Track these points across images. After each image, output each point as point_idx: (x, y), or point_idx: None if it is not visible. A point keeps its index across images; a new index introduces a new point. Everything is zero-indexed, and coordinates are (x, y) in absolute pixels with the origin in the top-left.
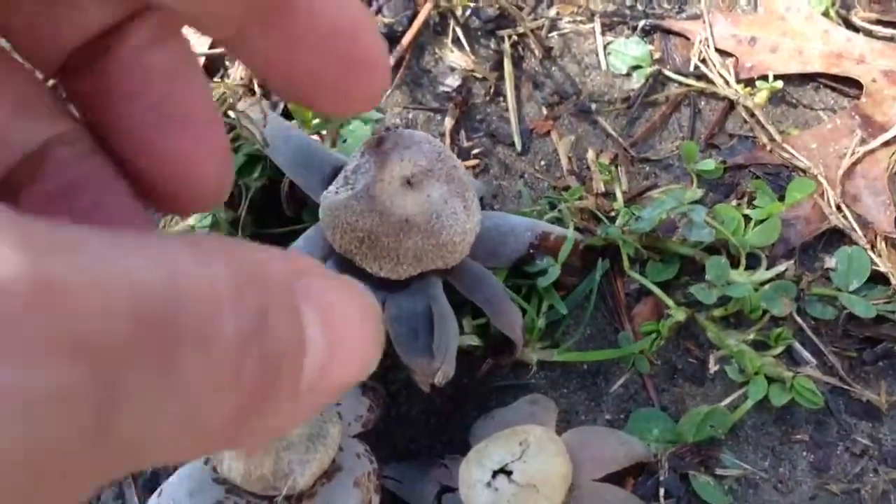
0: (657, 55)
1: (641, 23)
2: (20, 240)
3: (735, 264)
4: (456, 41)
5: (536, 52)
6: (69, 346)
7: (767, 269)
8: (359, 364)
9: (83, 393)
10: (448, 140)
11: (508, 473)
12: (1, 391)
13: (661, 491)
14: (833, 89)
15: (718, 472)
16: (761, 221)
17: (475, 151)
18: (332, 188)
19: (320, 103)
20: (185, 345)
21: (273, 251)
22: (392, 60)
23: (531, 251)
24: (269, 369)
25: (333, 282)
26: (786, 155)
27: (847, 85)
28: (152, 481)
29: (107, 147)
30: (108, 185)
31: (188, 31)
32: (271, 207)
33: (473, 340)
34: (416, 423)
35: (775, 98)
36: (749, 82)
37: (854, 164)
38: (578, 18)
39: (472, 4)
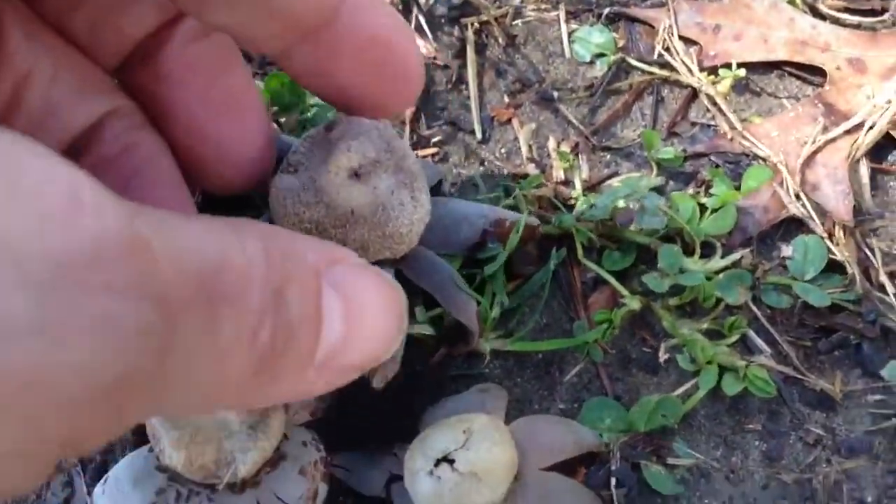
0: (621, 43)
1: (606, 10)
2: (120, 207)
3: (690, 252)
4: (418, 28)
5: (500, 39)
6: (152, 293)
7: (723, 257)
8: (373, 350)
9: (156, 331)
10: (408, 128)
11: (451, 462)
12: (110, 318)
13: (613, 480)
14: (797, 77)
15: (670, 461)
16: (717, 210)
17: (435, 139)
18: (278, 172)
19: (359, 107)
20: (223, 305)
21: (314, 243)
22: None
23: (485, 238)
24: (280, 338)
25: (364, 272)
26: (746, 143)
27: (811, 73)
28: (101, 469)
29: (158, 129)
30: (153, 155)
31: None
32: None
33: (426, 330)
34: (367, 413)
35: (739, 86)
36: (713, 70)
37: (815, 152)
38: (543, 6)
39: None
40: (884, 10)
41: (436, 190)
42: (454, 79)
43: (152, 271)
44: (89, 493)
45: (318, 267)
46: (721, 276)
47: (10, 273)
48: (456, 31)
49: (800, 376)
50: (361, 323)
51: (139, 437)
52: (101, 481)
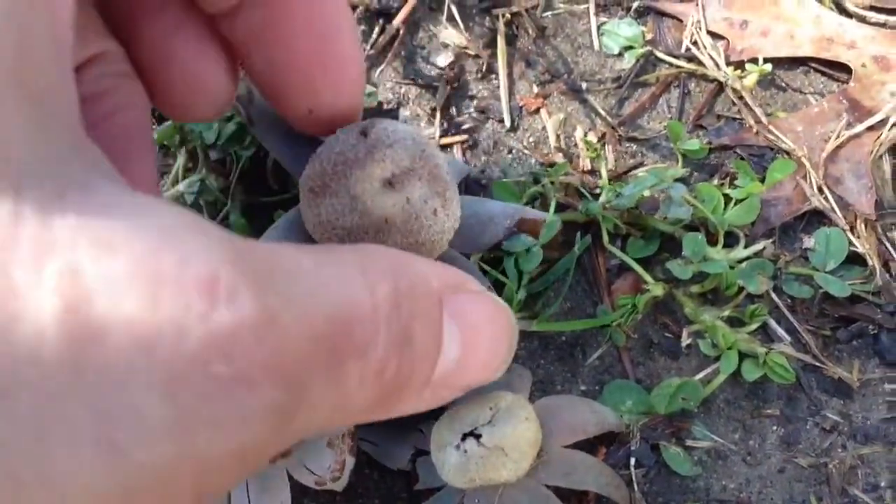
0: (649, 36)
1: (635, 4)
2: (253, 283)
3: (713, 242)
4: (450, 18)
5: (530, 31)
6: (278, 372)
7: (746, 247)
8: (485, 373)
9: (282, 406)
10: (438, 115)
11: (478, 437)
12: (239, 407)
13: (633, 460)
14: (823, 73)
15: (689, 443)
16: (741, 201)
17: (465, 127)
18: (307, 171)
19: (293, 93)
20: (351, 359)
21: (437, 267)
22: (386, 36)
23: (508, 236)
24: (405, 371)
25: (481, 300)
26: (771, 137)
27: (837, 69)
28: None
29: (133, 59)
30: (127, 100)
31: None
32: (261, 176)
33: None
34: None
35: (765, 81)
36: (739, 65)
37: (838, 147)
38: None
39: None
40: None
41: (462, 185)
42: (484, 68)
43: (282, 350)
44: None
45: (441, 296)
46: (743, 265)
47: (146, 371)
48: (487, 22)
49: (818, 364)
50: (477, 351)
51: None
52: None
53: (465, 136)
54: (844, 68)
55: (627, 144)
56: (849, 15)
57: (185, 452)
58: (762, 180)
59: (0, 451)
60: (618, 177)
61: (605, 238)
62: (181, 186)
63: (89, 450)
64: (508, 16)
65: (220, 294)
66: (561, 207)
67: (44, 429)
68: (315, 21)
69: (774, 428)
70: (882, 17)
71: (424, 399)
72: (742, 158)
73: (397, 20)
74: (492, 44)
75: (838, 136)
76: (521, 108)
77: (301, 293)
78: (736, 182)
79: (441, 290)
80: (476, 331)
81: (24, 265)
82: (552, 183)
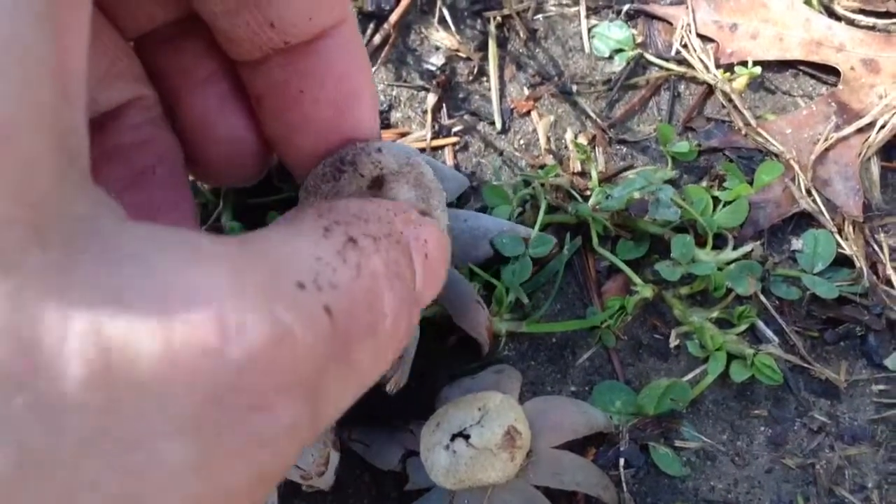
0: (640, 39)
1: (626, 7)
2: (262, 299)
3: (702, 244)
4: (442, 21)
5: (521, 33)
6: (296, 382)
7: (734, 249)
8: (436, 292)
9: (303, 417)
10: (429, 117)
11: (466, 437)
12: (257, 433)
13: (622, 461)
14: (812, 76)
15: (678, 444)
16: (730, 203)
17: (456, 129)
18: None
19: (302, 152)
20: (360, 341)
21: (393, 206)
22: (378, 39)
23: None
24: (406, 312)
25: (428, 226)
26: (760, 139)
27: (826, 72)
28: None
29: (171, 117)
30: (165, 152)
31: None
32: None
33: (443, 310)
34: (385, 391)
35: (754, 84)
36: (729, 68)
37: (827, 149)
38: (564, 2)
39: None
40: None
41: (462, 198)
42: (476, 71)
43: (296, 363)
44: None
45: (406, 233)
46: (732, 266)
47: (163, 419)
48: (479, 25)
49: (806, 365)
50: (432, 273)
51: None
52: None
53: (456, 139)
54: (833, 71)
55: (617, 147)
56: (838, 18)
57: (210, 487)
58: (751, 182)
59: None
60: (608, 179)
61: (595, 240)
62: None
63: None
64: (500, 18)
65: (230, 330)
66: (551, 209)
67: (72, 495)
68: (335, 88)
69: (762, 429)
70: (871, 20)
71: (409, 333)
72: (731, 161)
73: (389, 22)
74: (483, 46)
75: (827, 139)
76: (511, 110)
77: (306, 293)
78: (725, 184)
79: (403, 228)
80: (431, 257)
81: (51, 329)
82: (542, 185)
